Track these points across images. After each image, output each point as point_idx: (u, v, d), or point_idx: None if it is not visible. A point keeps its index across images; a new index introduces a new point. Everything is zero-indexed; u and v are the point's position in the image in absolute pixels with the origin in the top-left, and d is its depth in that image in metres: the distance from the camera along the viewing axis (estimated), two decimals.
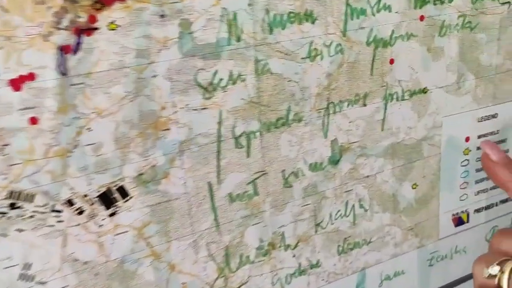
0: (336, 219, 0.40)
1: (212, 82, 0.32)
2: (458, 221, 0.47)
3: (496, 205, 0.49)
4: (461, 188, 0.46)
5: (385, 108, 0.40)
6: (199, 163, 0.33)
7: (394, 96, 0.40)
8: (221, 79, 0.32)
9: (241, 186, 0.35)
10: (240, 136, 0.34)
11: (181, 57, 0.31)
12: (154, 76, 0.30)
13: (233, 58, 0.32)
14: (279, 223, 0.38)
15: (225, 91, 0.33)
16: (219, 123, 0.33)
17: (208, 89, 0.32)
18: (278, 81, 0.34)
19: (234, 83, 0.33)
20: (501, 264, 0.33)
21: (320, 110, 0.37)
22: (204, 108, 0.32)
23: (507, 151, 0.47)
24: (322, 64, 0.36)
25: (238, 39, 0.32)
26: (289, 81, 0.35)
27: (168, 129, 0.31)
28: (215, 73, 0.32)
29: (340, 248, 0.41)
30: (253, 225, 0.36)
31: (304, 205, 0.38)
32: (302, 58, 0.35)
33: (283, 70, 0.34)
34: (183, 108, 0.32)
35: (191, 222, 0.34)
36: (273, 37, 0.33)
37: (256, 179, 0.36)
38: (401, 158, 0.42)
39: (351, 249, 0.42)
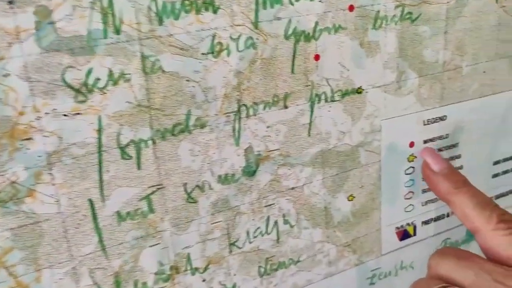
0: (255, 237, 0.35)
1: (86, 83, 0.27)
2: (403, 235, 0.43)
3: (448, 215, 0.44)
4: (406, 199, 0.41)
5: (312, 111, 0.35)
6: (75, 177, 0.28)
7: (322, 97, 0.35)
8: (97, 79, 0.27)
9: (132, 202, 0.30)
10: (127, 145, 0.29)
11: (41, 52, 0.25)
12: (6, 75, 0.25)
13: (112, 54, 0.27)
14: (183, 244, 0.33)
15: (104, 93, 0.28)
16: (99, 130, 0.28)
17: (82, 91, 0.27)
18: (173, 80, 0.29)
19: (115, 83, 0.28)
20: None
21: (229, 114, 0.32)
22: (78, 114, 0.27)
23: (458, 156, 0.43)
24: (230, 60, 0.31)
25: (117, 31, 0.27)
26: (188, 80, 0.30)
27: (30, 139, 0.26)
28: (89, 71, 0.27)
29: (262, 269, 0.36)
30: (149, 246, 0.31)
31: (214, 223, 0.33)
32: (203, 54, 0.30)
33: (179, 68, 0.29)
34: (48, 113, 0.26)
35: (68, 246, 0.29)
36: (163, 29, 0.28)
37: (150, 194, 0.30)
38: (334, 167, 0.37)
39: (275, 269, 0.37)
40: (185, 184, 0.31)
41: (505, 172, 0.46)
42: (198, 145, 0.31)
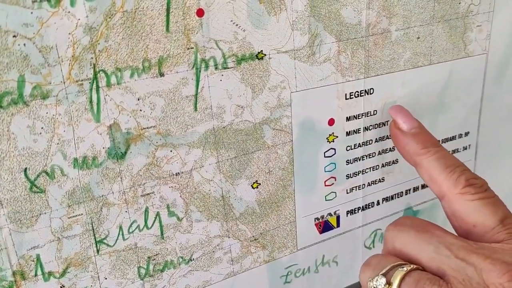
0: (131, 232, 0.29)
1: None
2: (324, 226, 0.37)
3: (378, 203, 0.39)
4: (326, 186, 0.36)
5: (197, 80, 0.28)
6: None
7: (211, 63, 0.28)
8: None
9: None
10: None
11: None
12: None
13: None
14: (28, 244, 0.26)
15: None
16: None
17: None
18: None
19: None
20: (389, 272, 0.24)
21: (82, 82, 0.25)
22: None
23: (389, 137, 0.37)
24: (75, 12, 0.24)
25: None
26: (15, 36, 0.23)
27: None
28: None
29: (142, 271, 0.30)
30: None
31: (72, 216, 0.27)
32: (35, 2, 0.23)
33: (1, 21, 0.22)
34: None
35: None
36: None
37: None
38: (231, 149, 0.31)
39: (161, 270, 0.31)
40: (25, 170, 0.25)
41: None
42: (41, 120, 0.25)
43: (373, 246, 0.40)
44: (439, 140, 0.40)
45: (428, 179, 0.29)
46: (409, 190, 0.40)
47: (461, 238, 0.25)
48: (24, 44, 0.23)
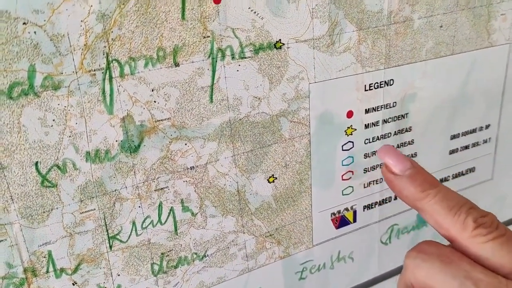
0: (144, 228, 0.28)
1: None
2: (341, 222, 0.36)
3: (395, 198, 0.38)
4: (343, 180, 0.35)
5: (213, 70, 0.27)
6: None
7: (228, 53, 0.27)
8: None
9: None
10: None
11: None
12: None
13: None
14: (40, 240, 0.25)
15: None
16: None
17: None
18: (0, 23, 0.21)
19: None
20: None
21: (95, 72, 0.24)
22: None
23: (408, 129, 0.36)
24: None
25: None
26: (25, 23, 0.22)
27: None
28: None
29: (156, 267, 0.29)
30: None
31: (85, 212, 0.26)
32: None
33: (10, 6, 0.21)
34: None
35: None
36: None
37: None
38: (247, 142, 0.30)
39: (174, 266, 0.30)
40: (37, 164, 0.24)
41: (465, 147, 0.39)
42: (52, 112, 0.24)
43: (390, 242, 0.39)
44: (459, 134, 0.38)
45: (434, 225, 0.27)
46: None
47: (491, 273, 0.23)
48: (35, 32, 0.22)
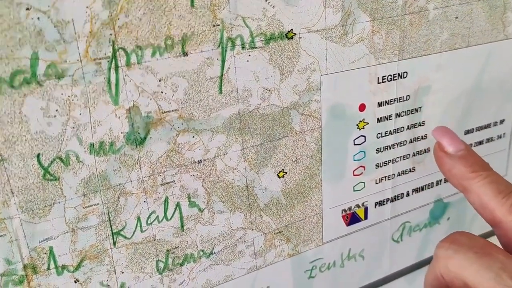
0: (149, 224, 0.27)
1: None
2: (352, 219, 0.35)
3: (408, 195, 0.37)
4: (355, 175, 0.34)
5: (223, 60, 0.26)
6: None
7: (238, 42, 0.26)
8: None
9: None
10: None
11: None
12: None
13: None
14: (41, 235, 0.24)
15: None
16: None
17: None
18: (3, 8, 0.20)
19: None
20: None
21: (100, 61, 0.23)
22: None
23: (422, 123, 0.35)
24: None
25: None
26: (28, 9, 0.21)
27: None
28: None
29: (161, 265, 0.28)
30: None
31: (88, 206, 0.25)
32: None
33: None
34: None
35: None
36: None
37: None
38: (257, 135, 0.29)
39: (180, 264, 0.29)
40: (38, 156, 0.23)
41: (479, 143, 0.38)
42: (55, 102, 0.23)
43: (401, 240, 0.38)
44: (473, 129, 0.37)
45: (479, 205, 0.26)
46: (440, 180, 0.38)
47: None
48: (38, 18, 0.21)
